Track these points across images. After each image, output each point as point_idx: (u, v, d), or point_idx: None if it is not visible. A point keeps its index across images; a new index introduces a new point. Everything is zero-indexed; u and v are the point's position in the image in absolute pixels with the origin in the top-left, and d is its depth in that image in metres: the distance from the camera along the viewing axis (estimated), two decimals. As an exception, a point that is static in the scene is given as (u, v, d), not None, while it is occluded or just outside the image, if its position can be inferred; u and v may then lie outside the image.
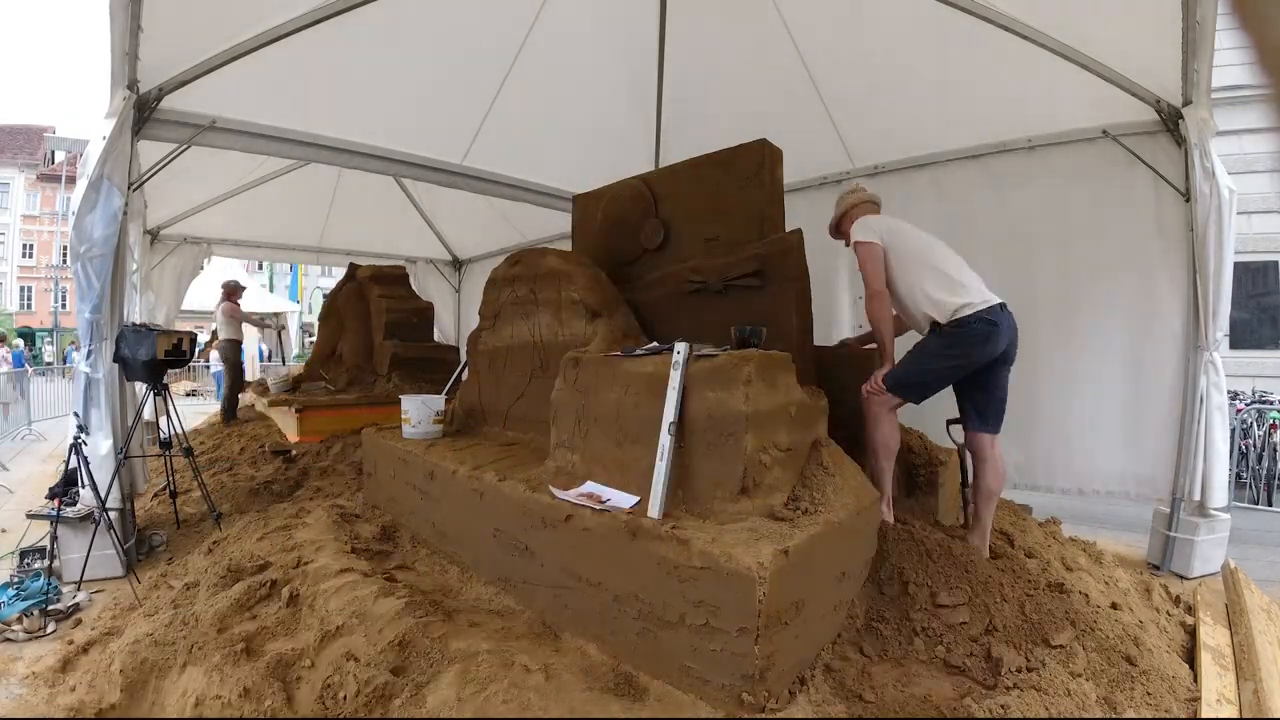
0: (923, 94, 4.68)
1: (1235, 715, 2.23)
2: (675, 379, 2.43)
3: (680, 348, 2.47)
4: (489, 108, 5.61)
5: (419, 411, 3.89)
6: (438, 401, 4.00)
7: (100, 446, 3.60)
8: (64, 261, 27.74)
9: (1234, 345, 9.59)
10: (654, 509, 2.32)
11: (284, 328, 11.70)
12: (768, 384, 2.45)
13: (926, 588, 2.55)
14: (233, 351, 8.07)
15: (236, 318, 8.20)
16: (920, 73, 4.56)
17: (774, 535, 2.11)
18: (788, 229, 3.40)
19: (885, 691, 2.12)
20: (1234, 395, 7.59)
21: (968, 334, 2.86)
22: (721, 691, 1.98)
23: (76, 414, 3.58)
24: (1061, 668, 2.18)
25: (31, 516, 3.88)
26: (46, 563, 3.49)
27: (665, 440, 2.39)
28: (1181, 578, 3.83)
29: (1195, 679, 2.40)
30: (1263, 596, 3.21)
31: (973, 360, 2.89)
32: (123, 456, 3.62)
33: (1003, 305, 2.90)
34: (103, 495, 3.42)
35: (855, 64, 4.80)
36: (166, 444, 4.18)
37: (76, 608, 3.18)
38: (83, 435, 3.47)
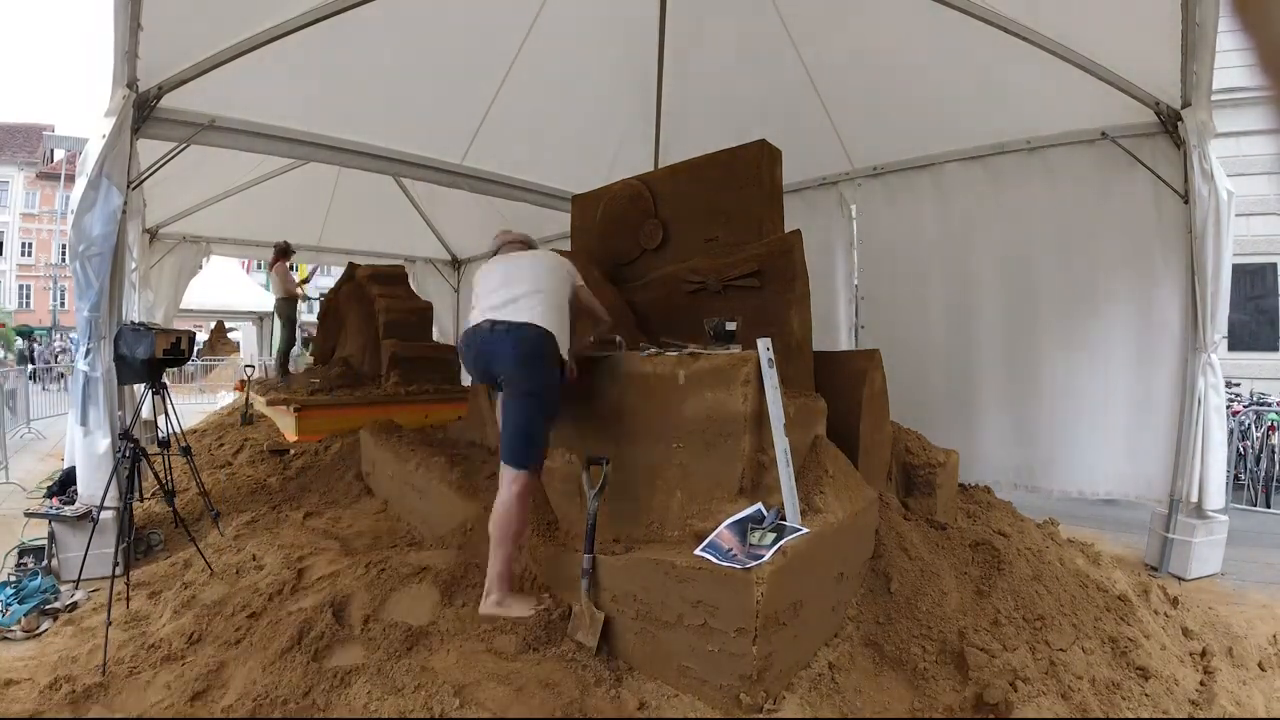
0: (923, 94, 4.67)
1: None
2: (772, 376, 2.35)
3: (762, 344, 2.39)
4: (489, 108, 5.60)
5: None
6: None
7: (98, 445, 3.60)
8: (63, 260, 27.60)
9: (1232, 348, 9.58)
10: (791, 517, 2.22)
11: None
12: (767, 384, 2.44)
13: (924, 590, 2.55)
14: (286, 308, 8.07)
15: (283, 276, 8.08)
16: (920, 73, 4.56)
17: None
18: (787, 229, 3.40)
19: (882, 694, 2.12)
20: (1232, 397, 7.59)
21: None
22: (719, 692, 1.98)
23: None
24: (1062, 669, 2.18)
25: (30, 515, 3.87)
26: (45, 561, 3.49)
27: (783, 442, 2.28)
28: (1179, 579, 3.83)
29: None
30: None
31: (474, 376, 2.84)
32: (120, 455, 3.61)
33: (492, 325, 2.54)
34: (103, 494, 3.41)
35: (855, 64, 4.79)
36: (164, 443, 4.17)
37: (75, 606, 3.18)
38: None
